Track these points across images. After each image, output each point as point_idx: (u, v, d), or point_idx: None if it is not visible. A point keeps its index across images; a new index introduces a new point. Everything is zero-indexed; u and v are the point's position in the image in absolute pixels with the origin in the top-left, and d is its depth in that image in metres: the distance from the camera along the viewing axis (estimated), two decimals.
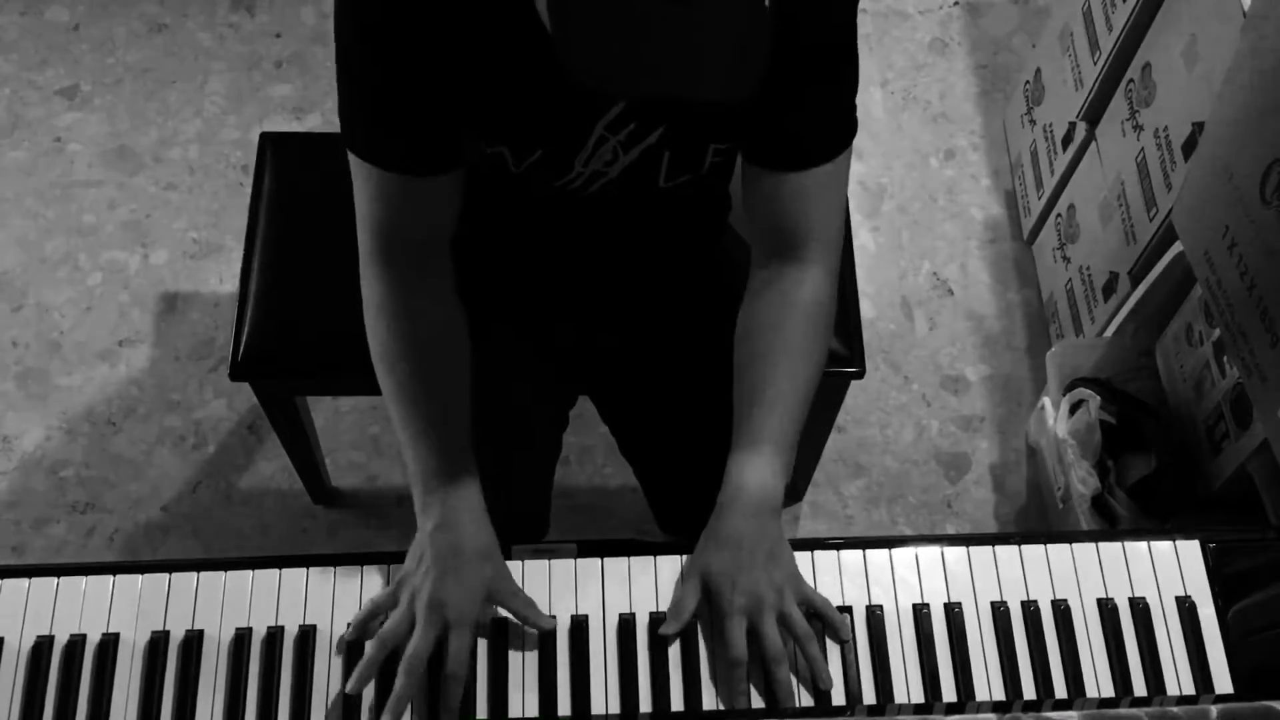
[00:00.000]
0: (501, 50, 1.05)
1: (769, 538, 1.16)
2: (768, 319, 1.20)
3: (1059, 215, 2.14)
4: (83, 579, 1.17)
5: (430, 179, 1.13)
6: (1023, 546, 1.22)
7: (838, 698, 1.14)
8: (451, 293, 1.21)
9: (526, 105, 1.10)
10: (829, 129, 1.16)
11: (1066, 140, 2.10)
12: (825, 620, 1.16)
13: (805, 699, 1.14)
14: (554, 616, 1.17)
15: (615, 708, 1.13)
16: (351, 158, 1.13)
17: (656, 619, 1.17)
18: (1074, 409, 1.85)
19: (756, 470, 1.17)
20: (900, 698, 1.14)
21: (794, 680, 1.14)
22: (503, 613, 1.16)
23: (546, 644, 1.15)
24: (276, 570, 1.18)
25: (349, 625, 1.15)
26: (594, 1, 0.84)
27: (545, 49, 0.89)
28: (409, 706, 1.11)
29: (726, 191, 1.36)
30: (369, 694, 1.13)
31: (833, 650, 1.16)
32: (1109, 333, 1.92)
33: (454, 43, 1.04)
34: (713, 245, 1.42)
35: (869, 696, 1.14)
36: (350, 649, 1.15)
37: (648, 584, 1.19)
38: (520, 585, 1.18)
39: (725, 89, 0.87)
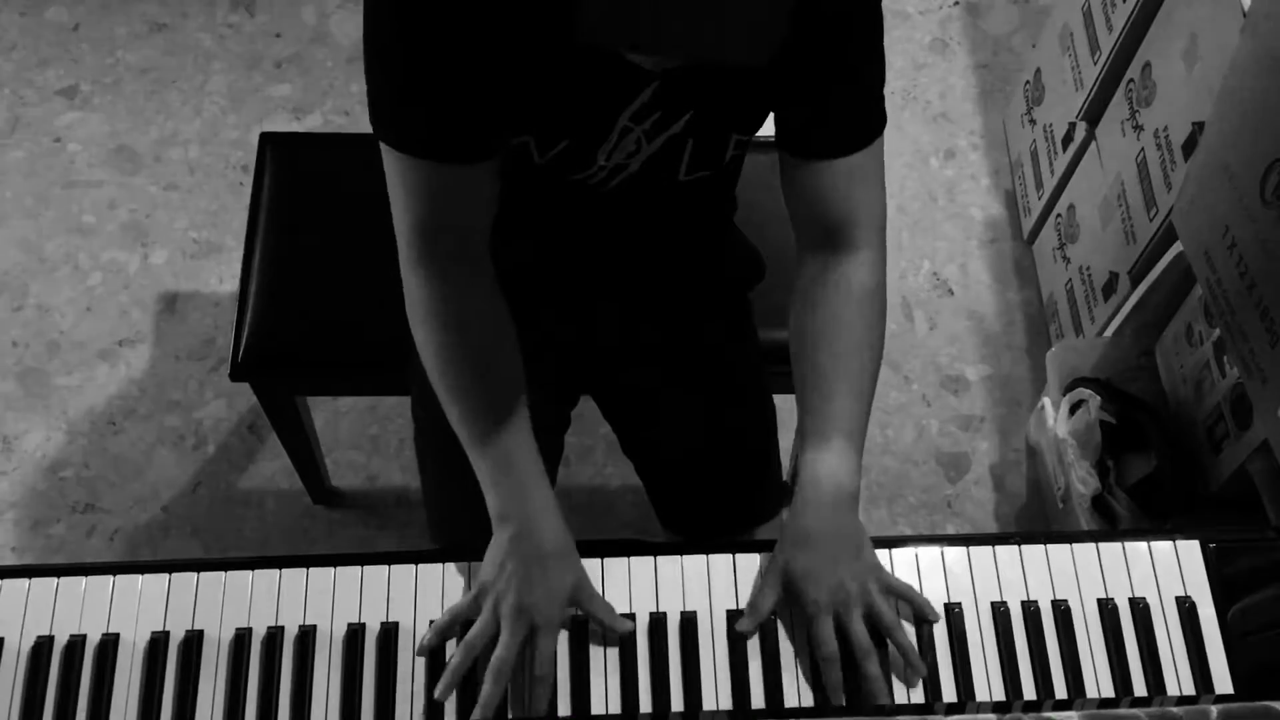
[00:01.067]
0: (528, 36, 1.04)
1: (849, 532, 1.16)
2: (824, 309, 1.19)
3: (1059, 215, 2.14)
4: (83, 579, 1.17)
5: (467, 167, 1.10)
6: (1023, 546, 1.22)
7: (837, 698, 1.14)
8: (496, 288, 1.19)
9: (554, 93, 1.09)
10: (863, 113, 1.15)
11: (1066, 140, 2.10)
12: (912, 605, 1.17)
13: (806, 698, 1.14)
14: (633, 616, 1.17)
15: (615, 708, 1.13)
16: (386, 152, 1.10)
17: (656, 619, 1.17)
18: (1074, 409, 1.85)
19: (829, 464, 1.16)
20: (900, 698, 1.14)
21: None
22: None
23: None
24: (276, 570, 1.18)
25: (428, 633, 1.15)
26: None
27: (569, 33, 0.89)
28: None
29: (733, 192, 1.36)
30: (369, 693, 1.13)
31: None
32: (1109, 333, 1.92)
33: (484, 29, 1.03)
34: (718, 244, 1.42)
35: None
36: (349, 647, 1.15)
37: (648, 584, 1.19)
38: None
39: (748, 50, 0.86)
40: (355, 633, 1.15)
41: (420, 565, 1.19)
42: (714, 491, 1.42)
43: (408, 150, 1.08)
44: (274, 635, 1.15)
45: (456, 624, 1.15)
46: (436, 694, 1.12)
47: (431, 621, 1.16)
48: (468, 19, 1.02)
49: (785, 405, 2.08)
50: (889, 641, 1.15)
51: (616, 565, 1.19)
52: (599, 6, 0.84)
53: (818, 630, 1.13)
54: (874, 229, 1.19)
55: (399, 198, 1.11)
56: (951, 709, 1.14)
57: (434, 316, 1.15)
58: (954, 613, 1.18)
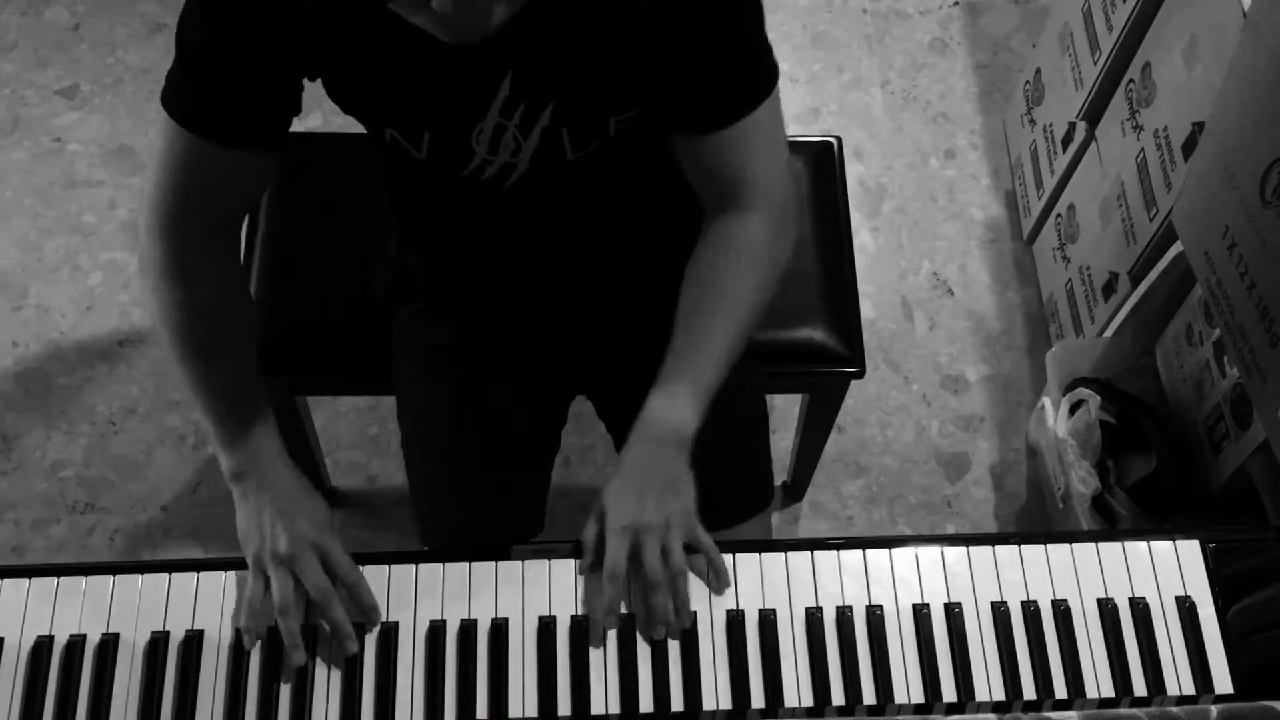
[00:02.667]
0: (362, 29, 1.06)
1: (669, 469, 1.18)
2: (701, 266, 1.22)
3: (1059, 215, 2.14)
4: (83, 579, 1.17)
5: (241, 152, 1.12)
6: (1023, 546, 1.22)
7: (838, 698, 1.14)
8: (237, 266, 1.22)
9: (397, 83, 1.11)
10: (739, 82, 1.15)
11: (1066, 140, 2.10)
12: (711, 564, 1.18)
13: (805, 698, 1.14)
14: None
15: (615, 708, 1.13)
16: (160, 116, 1.12)
17: None
18: (1074, 409, 1.85)
19: (666, 405, 1.19)
20: (900, 698, 1.14)
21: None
22: (501, 613, 1.17)
23: (546, 644, 1.15)
24: None
25: (244, 634, 1.14)
26: None
27: (406, 29, 0.90)
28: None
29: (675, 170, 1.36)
30: (369, 693, 1.13)
31: (833, 650, 1.16)
32: (1109, 333, 1.92)
33: (312, 24, 1.05)
34: (685, 232, 1.42)
35: (869, 696, 1.14)
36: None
37: None
38: (521, 585, 1.18)
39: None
40: (355, 633, 1.15)
41: (420, 565, 1.19)
42: (701, 488, 1.42)
43: (177, 118, 1.10)
44: (274, 635, 1.15)
45: (257, 604, 1.15)
46: (295, 662, 1.12)
47: (430, 621, 1.16)
48: (285, 12, 1.03)
49: (779, 405, 2.09)
50: (672, 586, 1.15)
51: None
52: None
53: (609, 549, 1.15)
54: (765, 189, 1.20)
55: (157, 163, 1.14)
56: (951, 709, 1.14)
57: (169, 283, 1.16)
58: (954, 613, 1.18)
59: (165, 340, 1.19)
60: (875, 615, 1.18)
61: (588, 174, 1.21)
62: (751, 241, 1.21)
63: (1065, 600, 1.19)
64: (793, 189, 1.25)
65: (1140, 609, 1.19)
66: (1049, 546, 1.22)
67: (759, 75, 1.15)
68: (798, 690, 1.14)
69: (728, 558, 1.20)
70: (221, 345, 1.19)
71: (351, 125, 1.21)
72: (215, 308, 1.19)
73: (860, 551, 1.21)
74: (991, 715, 1.10)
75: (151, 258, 1.16)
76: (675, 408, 1.18)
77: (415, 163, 1.19)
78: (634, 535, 1.15)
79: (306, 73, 1.12)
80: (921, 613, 1.18)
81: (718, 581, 1.18)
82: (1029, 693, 1.15)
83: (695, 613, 1.17)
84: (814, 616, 1.17)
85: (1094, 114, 2.00)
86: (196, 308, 1.17)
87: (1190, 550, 1.22)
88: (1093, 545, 1.22)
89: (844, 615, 1.17)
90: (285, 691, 1.13)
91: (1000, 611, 1.18)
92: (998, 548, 1.22)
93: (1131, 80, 1.87)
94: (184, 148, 1.11)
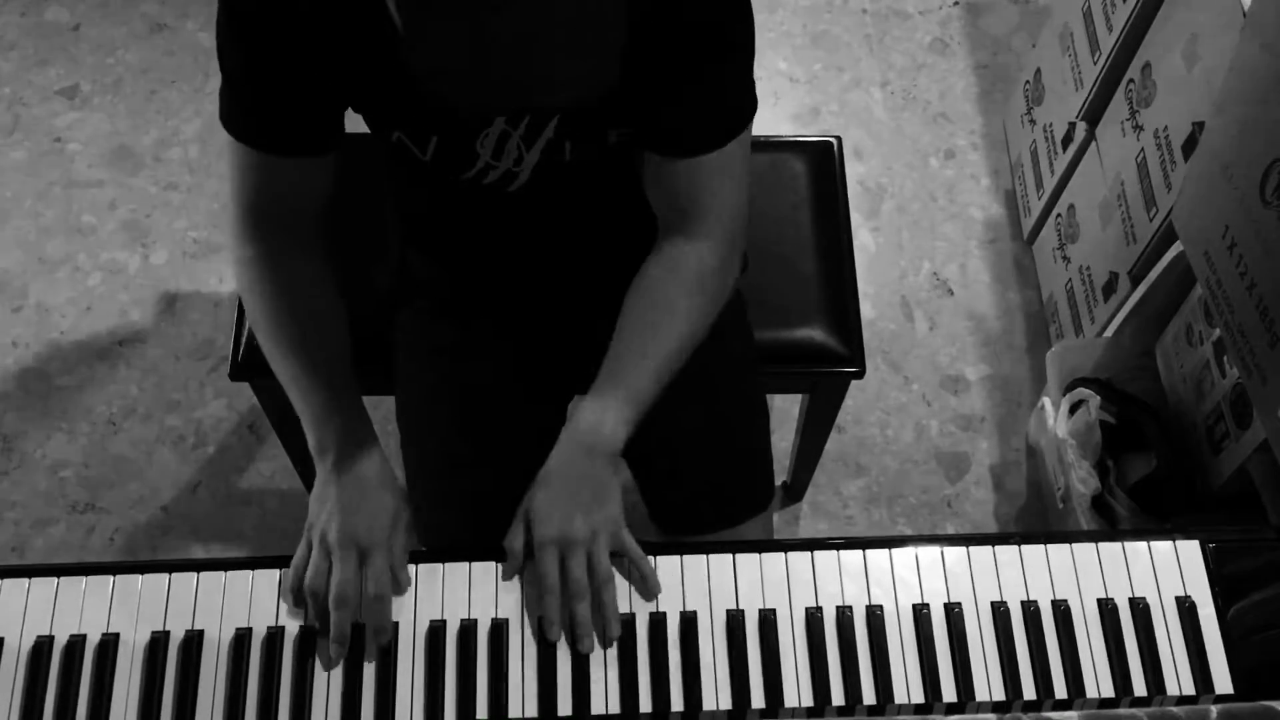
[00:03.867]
0: (369, 40, 1.08)
1: (595, 479, 1.18)
2: (649, 282, 1.23)
3: (1059, 215, 2.14)
4: (83, 579, 1.17)
5: (290, 159, 1.16)
6: (1023, 546, 1.22)
7: (837, 698, 1.14)
8: (321, 260, 1.24)
9: (411, 92, 1.11)
10: (714, 118, 1.17)
11: (1066, 140, 2.10)
12: (639, 571, 1.18)
13: (805, 698, 1.14)
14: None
15: (615, 708, 1.13)
16: (225, 137, 1.17)
17: (656, 619, 1.17)
18: (1074, 409, 1.85)
19: (597, 414, 1.19)
20: (900, 698, 1.14)
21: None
22: (501, 613, 1.17)
23: (546, 644, 1.15)
24: (276, 570, 1.18)
25: (284, 595, 1.16)
26: (441, 17, 0.85)
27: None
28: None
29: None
30: (369, 693, 1.13)
31: (833, 651, 1.16)
32: (1109, 333, 1.92)
33: (322, 31, 1.07)
34: None
35: (869, 696, 1.14)
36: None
37: None
38: (521, 585, 1.18)
39: (575, 95, 0.89)
40: (356, 635, 1.15)
41: (420, 565, 1.19)
42: (701, 488, 1.43)
43: (235, 134, 1.15)
44: (274, 635, 1.15)
45: (300, 574, 1.16)
46: (334, 657, 1.13)
47: (430, 621, 1.16)
48: (301, 20, 1.07)
49: (779, 405, 2.09)
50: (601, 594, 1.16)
51: (616, 565, 1.19)
52: (424, 61, 0.87)
53: (540, 564, 1.15)
54: (719, 221, 1.22)
55: (229, 175, 1.19)
56: (951, 709, 1.14)
57: (259, 283, 1.20)
58: (954, 613, 1.18)
59: (260, 333, 1.22)
60: (875, 615, 1.18)
61: (586, 179, 1.23)
62: (702, 268, 1.22)
63: (1065, 600, 1.19)
64: (746, 221, 1.26)
65: (1140, 609, 1.19)
66: (1049, 546, 1.22)
67: (741, 109, 1.18)
68: (798, 690, 1.14)
69: (727, 558, 1.20)
70: (314, 336, 1.21)
71: (355, 125, 1.22)
72: (304, 302, 1.22)
73: (860, 551, 1.21)
74: (991, 715, 1.10)
75: (238, 259, 1.22)
76: (608, 418, 1.19)
77: (420, 164, 1.20)
78: (561, 547, 1.15)
79: (334, 84, 1.14)
80: (921, 613, 1.18)
81: (644, 586, 1.18)
82: (1029, 693, 1.15)
83: (696, 612, 1.17)
84: (814, 617, 1.17)
85: (1094, 114, 2.00)
86: (287, 304, 1.20)
87: (1190, 550, 1.22)
88: (1093, 545, 1.22)
89: (844, 615, 1.17)
90: (285, 691, 1.13)
91: (1000, 611, 1.18)
92: (998, 548, 1.22)
93: (1131, 80, 1.87)
94: (246, 161, 1.17)
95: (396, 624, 1.16)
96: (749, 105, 1.18)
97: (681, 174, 1.19)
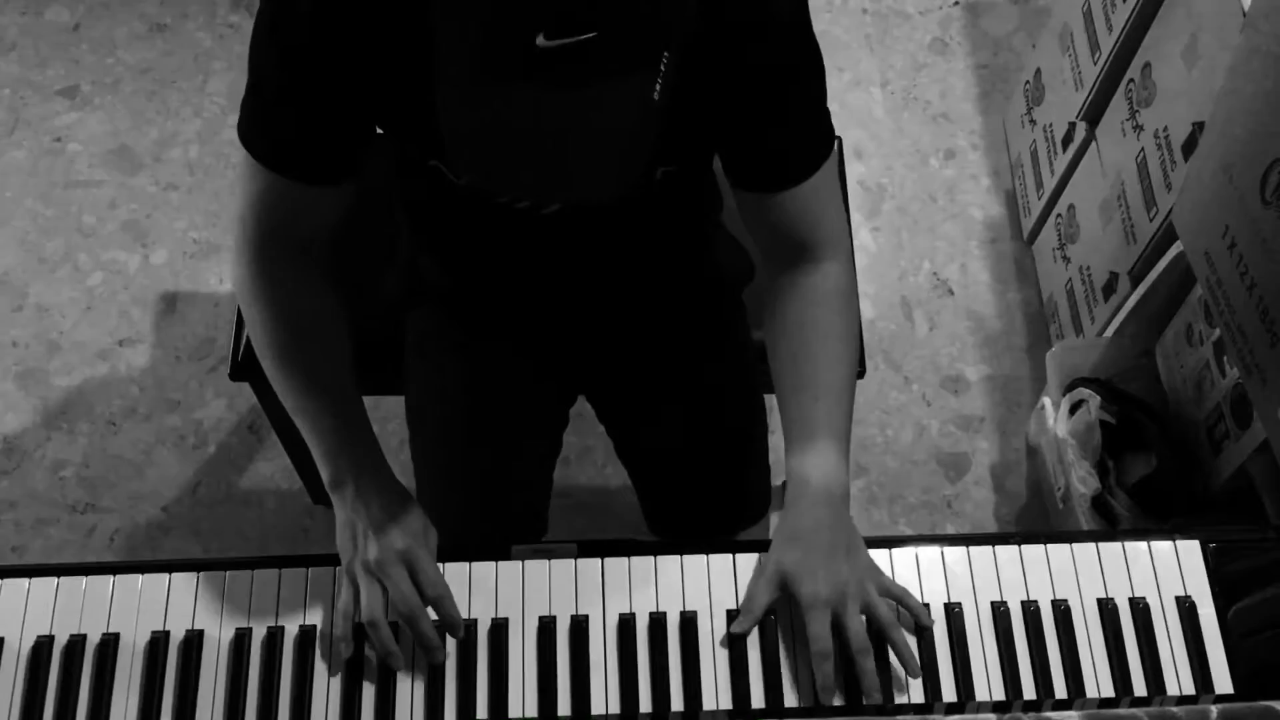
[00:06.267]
0: (416, 77, 1.04)
1: (842, 528, 1.16)
2: (796, 317, 1.21)
3: (1059, 215, 2.14)
4: (83, 579, 1.17)
5: (307, 186, 1.13)
6: (1023, 546, 1.22)
7: (838, 698, 1.14)
8: (325, 281, 1.23)
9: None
10: (805, 145, 1.16)
11: (1066, 140, 2.10)
12: (907, 608, 1.16)
13: (806, 698, 1.14)
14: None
15: (615, 708, 1.13)
16: (241, 153, 1.14)
17: (656, 619, 1.17)
18: (1074, 409, 1.85)
19: (817, 462, 1.16)
20: (900, 698, 1.14)
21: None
22: (501, 613, 1.17)
23: (546, 644, 1.15)
24: (276, 570, 1.18)
25: (338, 642, 1.14)
26: (477, 126, 0.86)
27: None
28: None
29: (715, 192, 1.36)
30: (369, 693, 1.13)
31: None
32: (1109, 333, 1.92)
33: (369, 65, 1.05)
34: (701, 248, 1.42)
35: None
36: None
37: (648, 584, 1.19)
38: (521, 585, 1.18)
39: (604, 194, 0.90)
40: (355, 635, 1.15)
41: None
42: (698, 494, 1.42)
43: (254, 154, 1.12)
44: (274, 635, 1.15)
45: (349, 612, 1.15)
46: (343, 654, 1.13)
47: (431, 621, 1.16)
48: (349, 60, 1.04)
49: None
50: (887, 643, 1.14)
51: (616, 565, 1.19)
52: (461, 157, 0.88)
53: (814, 625, 1.12)
54: (834, 242, 1.21)
55: (240, 193, 1.16)
56: (951, 709, 1.14)
57: (260, 302, 1.18)
58: (954, 613, 1.18)
59: (261, 353, 1.20)
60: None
61: (621, 209, 1.22)
62: (838, 288, 1.21)
63: (1065, 600, 1.19)
64: (850, 231, 1.26)
65: (1140, 609, 1.19)
66: (1049, 546, 1.22)
67: (824, 133, 1.17)
68: (798, 690, 1.14)
69: (727, 558, 1.20)
70: (313, 356, 1.20)
71: None
72: (304, 320, 1.19)
73: None
74: (991, 715, 1.10)
75: (238, 277, 1.19)
76: (826, 464, 1.16)
77: (451, 188, 1.18)
78: (833, 606, 1.13)
79: (368, 110, 1.12)
80: None
81: (920, 622, 1.16)
82: (1029, 693, 1.15)
83: (696, 612, 1.17)
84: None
85: (1094, 114, 2.00)
86: (286, 321, 1.18)
87: (1190, 550, 1.22)
88: (1093, 545, 1.22)
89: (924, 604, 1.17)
90: (285, 691, 1.13)
91: (1000, 611, 1.18)
92: (998, 548, 1.22)
93: (1131, 80, 1.87)
94: (261, 181, 1.14)
95: (396, 624, 1.15)
96: (828, 130, 1.18)
97: (788, 205, 1.17)
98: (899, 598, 1.16)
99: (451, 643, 1.15)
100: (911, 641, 1.15)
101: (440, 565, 1.18)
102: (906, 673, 1.14)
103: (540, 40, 0.81)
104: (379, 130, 1.16)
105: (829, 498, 1.16)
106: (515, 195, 0.92)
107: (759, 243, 1.25)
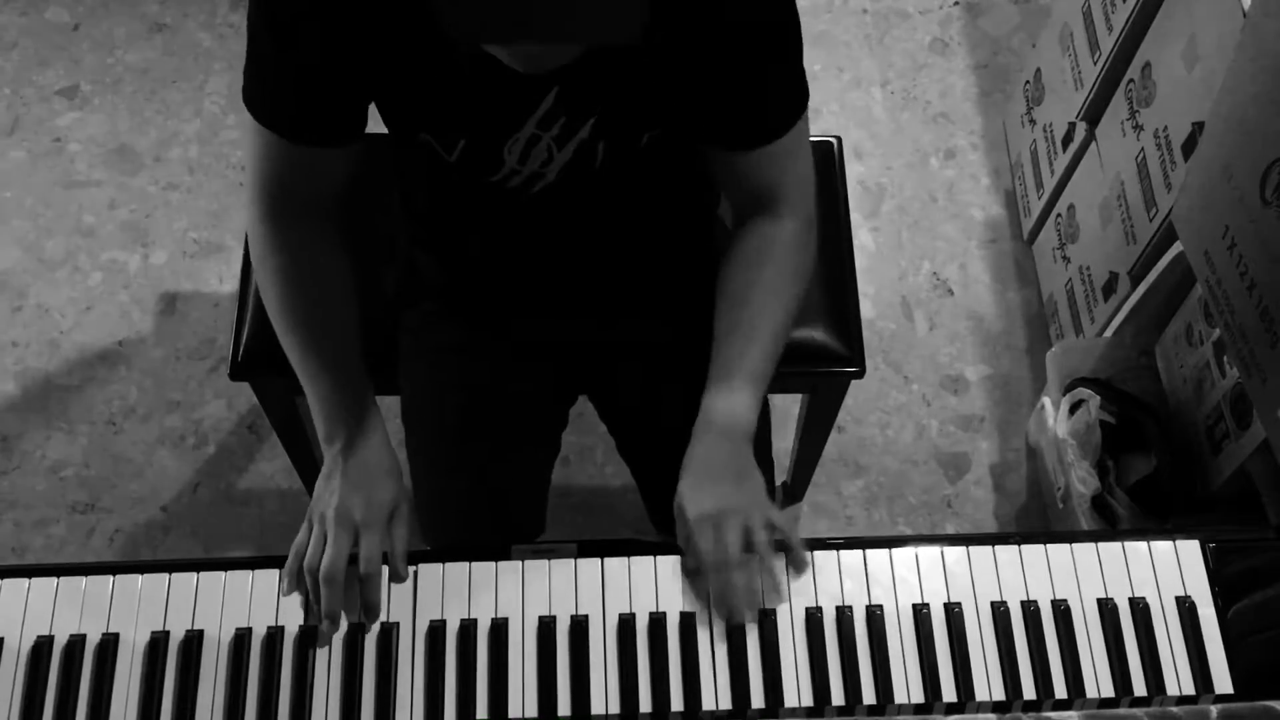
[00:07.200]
0: (400, 40, 1.09)
1: (737, 461, 1.20)
2: (743, 264, 1.25)
3: (1059, 215, 2.14)
4: (83, 579, 1.17)
5: (311, 148, 1.16)
6: (1023, 546, 1.22)
7: (837, 697, 1.14)
8: (335, 243, 1.25)
9: (442, 92, 1.13)
10: (781, 107, 1.19)
11: (1066, 140, 2.10)
12: (789, 545, 1.18)
13: (805, 698, 1.14)
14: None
15: (615, 708, 1.13)
16: (246, 115, 1.17)
17: (656, 619, 1.17)
18: (1074, 409, 1.85)
19: (725, 399, 1.21)
20: (900, 698, 1.14)
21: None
22: (501, 613, 1.17)
23: (546, 644, 1.15)
24: (276, 570, 1.18)
25: (282, 578, 1.17)
26: None
27: (440, 37, 0.90)
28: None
29: (711, 185, 1.37)
30: (369, 693, 1.13)
31: (833, 650, 1.16)
32: (1109, 333, 1.92)
33: (361, 24, 1.08)
34: (699, 241, 1.42)
35: (869, 696, 1.14)
36: (348, 647, 1.15)
37: (648, 584, 1.19)
38: (521, 585, 1.18)
39: (611, 30, 0.87)
40: (355, 632, 1.15)
41: (420, 565, 1.19)
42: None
43: (255, 116, 1.15)
44: (274, 635, 1.15)
45: (300, 554, 1.17)
46: (283, 592, 1.16)
47: (430, 621, 1.16)
48: (341, 14, 1.07)
49: (779, 404, 2.08)
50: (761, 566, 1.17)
51: (616, 565, 1.20)
52: (452, 9, 0.86)
53: (699, 541, 1.15)
54: (799, 198, 1.25)
55: (250, 157, 1.19)
56: (951, 709, 1.14)
57: (273, 260, 1.21)
58: (954, 612, 1.18)
59: (271, 312, 1.23)
60: (875, 615, 1.18)
61: (611, 183, 1.23)
62: (787, 239, 1.25)
63: (1065, 600, 1.19)
64: (815, 191, 1.29)
65: (1140, 609, 1.19)
66: (1049, 546, 1.22)
67: (799, 94, 1.19)
68: (798, 690, 1.14)
69: None
70: (321, 315, 1.23)
71: (372, 126, 1.22)
72: (313, 279, 1.23)
73: (860, 551, 1.21)
74: (991, 715, 1.10)
75: (252, 236, 1.23)
76: (735, 401, 1.21)
77: (443, 165, 1.21)
78: (716, 520, 1.16)
79: (362, 81, 1.14)
80: (921, 613, 1.18)
81: (799, 563, 1.19)
82: (1029, 693, 1.15)
83: (695, 612, 1.17)
84: (814, 616, 1.17)
85: (1094, 114, 2.00)
86: (295, 279, 1.22)
87: (1190, 550, 1.22)
88: (1093, 545, 1.22)
89: (844, 615, 1.17)
90: (285, 691, 1.13)
91: (1000, 611, 1.18)
92: (998, 548, 1.22)
93: (1131, 80, 1.87)
94: (267, 144, 1.17)
95: (397, 624, 1.16)
96: (803, 90, 1.20)
97: (755, 163, 1.21)
98: (784, 534, 1.18)
99: (452, 643, 1.15)
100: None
101: (440, 566, 1.18)
102: (775, 599, 1.16)
103: None
104: (373, 103, 1.18)
105: (730, 434, 1.20)
106: (517, 35, 0.89)
107: (729, 198, 1.29)
